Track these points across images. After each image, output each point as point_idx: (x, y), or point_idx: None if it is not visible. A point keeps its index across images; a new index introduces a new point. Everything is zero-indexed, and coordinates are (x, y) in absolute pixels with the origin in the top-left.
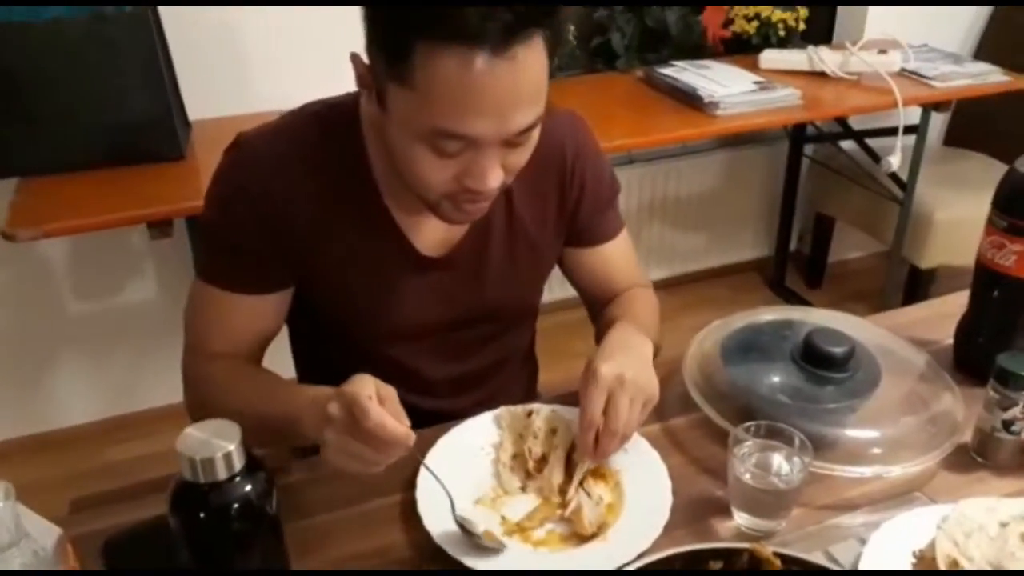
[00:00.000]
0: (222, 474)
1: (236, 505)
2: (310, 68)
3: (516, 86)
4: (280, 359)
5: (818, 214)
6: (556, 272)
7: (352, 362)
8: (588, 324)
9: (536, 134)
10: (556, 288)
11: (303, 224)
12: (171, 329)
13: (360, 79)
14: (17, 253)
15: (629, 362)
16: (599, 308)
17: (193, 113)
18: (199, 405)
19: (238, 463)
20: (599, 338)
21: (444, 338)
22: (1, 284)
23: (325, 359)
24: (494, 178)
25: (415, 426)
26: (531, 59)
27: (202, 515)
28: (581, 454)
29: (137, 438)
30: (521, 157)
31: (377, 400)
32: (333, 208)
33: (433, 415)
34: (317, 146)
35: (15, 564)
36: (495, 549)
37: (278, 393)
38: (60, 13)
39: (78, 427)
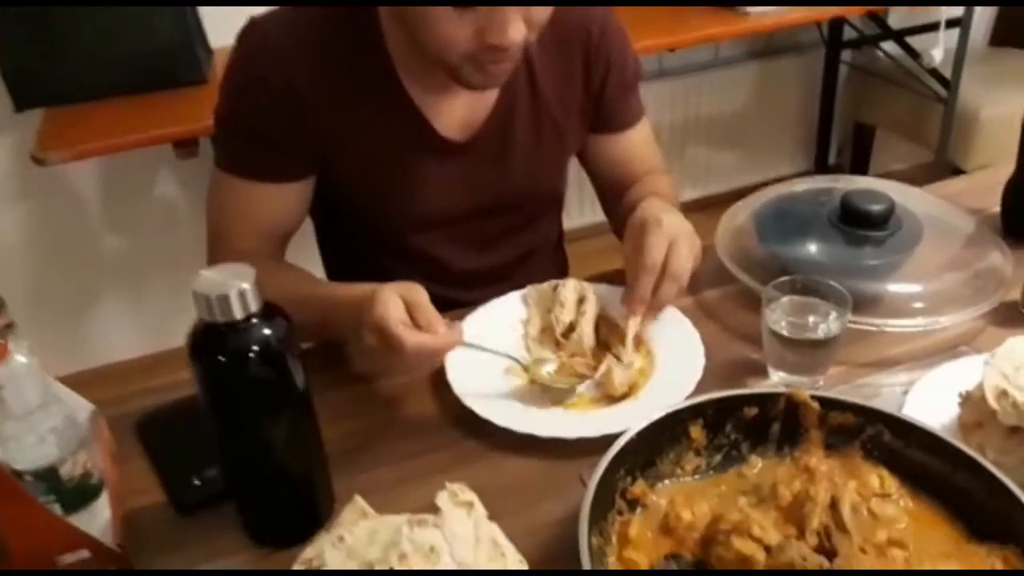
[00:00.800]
0: (238, 313)
1: (256, 347)
2: None
3: None
4: (305, 256)
5: (857, 124)
6: (576, 197)
7: (377, 253)
8: (609, 253)
9: None
10: (576, 214)
11: (323, 109)
12: (203, 259)
13: None
14: (46, 184)
15: (679, 219)
16: (616, 196)
17: (215, 40)
18: None
19: (254, 303)
20: (621, 223)
21: (469, 227)
22: (34, 220)
23: (351, 250)
24: (515, 31)
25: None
26: None
27: (221, 358)
28: (635, 304)
29: (179, 371)
30: (543, 11)
31: (407, 309)
32: (352, 93)
33: (461, 308)
34: (334, 30)
35: (46, 426)
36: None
37: (312, 297)
38: None
39: (118, 364)
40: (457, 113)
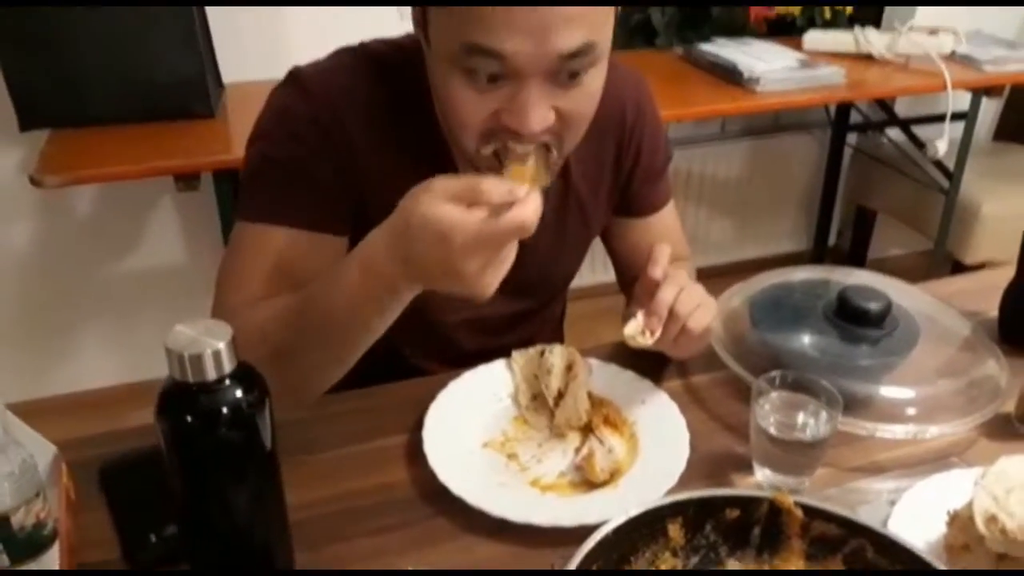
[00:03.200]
0: (211, 374)
1: (225, 410)
2: (345, 38)
3: None
4: None
5: (859, 207)
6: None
7: (391, 329)
8: (615, 312)
9: (595, 81)
10: (585, 274)
11: (369, 162)
12: (195, 291)
13: (415, 20)
14: (45, 208)
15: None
16: (632, 279)
17: (227, 76)
18: (261, 348)
19: (228, 364)
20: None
21: (485, 309)
22: (28, 239)
23: None
24: (536, 117)
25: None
26: None
27: (189, 418)
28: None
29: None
30: (577, 103)
31: (476, 194)
32: (397, 150)
33: None
34: (380, 87)
35: (2, 471)
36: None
37: (330, 274)
38: None
39: (99, 390)
40: None
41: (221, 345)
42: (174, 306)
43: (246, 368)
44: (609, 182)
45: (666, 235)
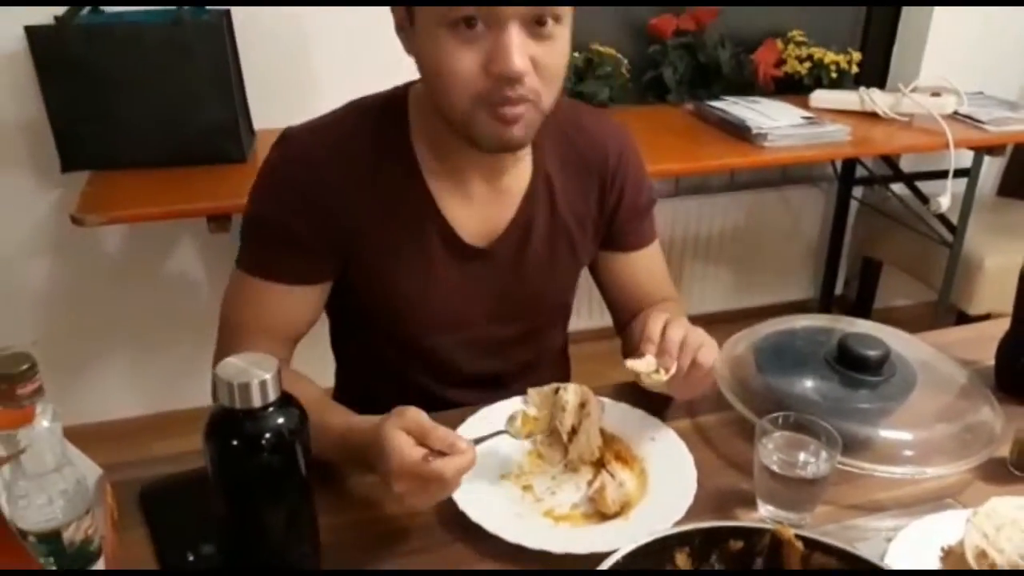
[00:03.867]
0: (257, 401)
1: (268, 435)
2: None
3: None
4: (315, 353)
5: (865, 259)
6: (586, 300)
7: (390, 351)
8: (611, 357)
9: (561, 39)
10: (595, 316)
11: (351, 215)
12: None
13: (397, 23)
14: (78, 242)
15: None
16: (627, 318)
17: (258, 122)
18: None
19: (273, 393)
20: (631, 347)
21: (482, 331)
22: (61, 272)
23: (363, 346)
24: (519, 57)
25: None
26: None
27: (235, 442)
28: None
29: (182, 435)
30: (550, 55)
31: (424, 435)
32: (380, 198)
33: (462, 407)
34: (364, 138)
35: (58, 488)
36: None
37: (324, 422)
38: (141, 18)
39: (123, 420)
40: (479, 220)
41: (267, 376)
42: (198, 341)
43: (288, 397)
44: (595, 215)
45: (651, 271)
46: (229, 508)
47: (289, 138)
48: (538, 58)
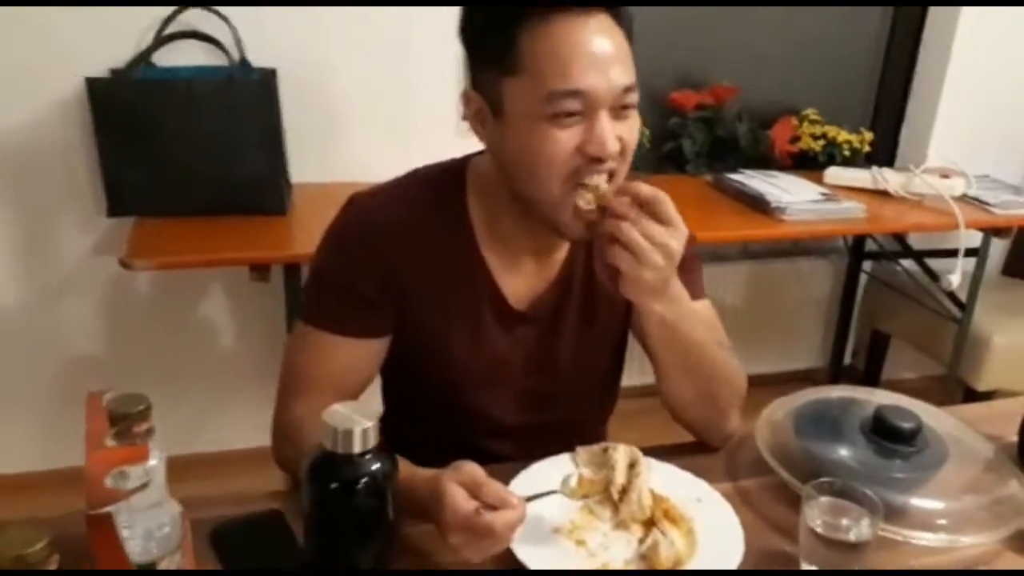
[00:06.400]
0: (357, 447)
1: (365, 479)
2: (404, 150)
3: (611, 39)
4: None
5: (874, 331)
6: (627, 357)
7: (437, 405)
8: (649, 414)
9: (636, 118)
10: (624, 374)
11: (411, 278)
12: (251, 375)
13: (474, 112)
14: (116, 286)
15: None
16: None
17: (295, 176)
18: (294, 452)
19: (372, 441)
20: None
21: (525, 387)
22: (97, 314)
23: (411, 398)
24: (611, 140)
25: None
26: (611, 23)
27: (333, 485)
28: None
29: (200, 478)
30: (629, 132)
31: (478, 489)
32: (436, 262)
33: (507, 460)
34: (426, 208)
35: (155, 523)
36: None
37: None
38: (194, 74)
39: None
40: (526, 287)
41: (369, 425)
42: (226, 388)
43: (384, 446)
44: None
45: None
46: (322, 546)
47: (356, 203)
48: (622, 136)
